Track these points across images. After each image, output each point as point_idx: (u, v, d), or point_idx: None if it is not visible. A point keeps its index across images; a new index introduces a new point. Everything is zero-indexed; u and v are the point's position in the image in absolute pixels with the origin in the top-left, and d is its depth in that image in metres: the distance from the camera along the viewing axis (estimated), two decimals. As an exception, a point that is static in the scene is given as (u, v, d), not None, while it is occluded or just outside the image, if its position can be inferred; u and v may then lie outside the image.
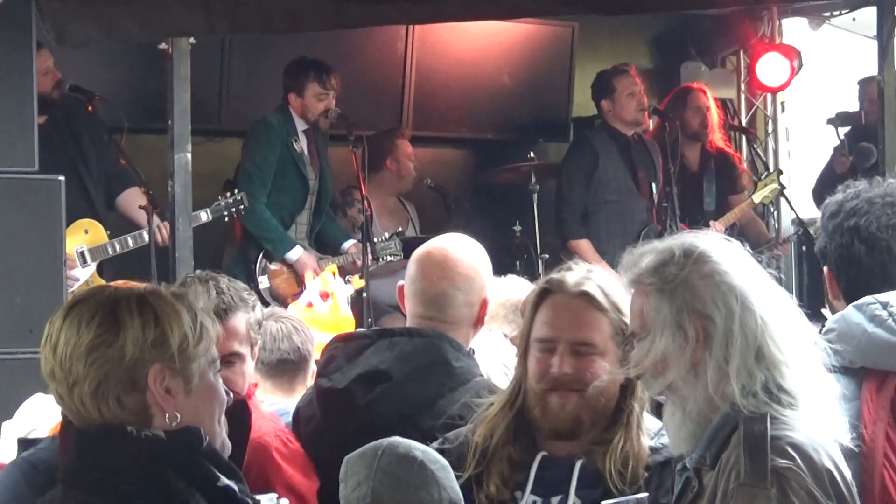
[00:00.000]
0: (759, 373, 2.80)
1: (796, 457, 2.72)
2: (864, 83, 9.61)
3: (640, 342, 2.89)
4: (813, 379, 2.86)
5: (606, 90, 8.48)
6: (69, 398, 2.47)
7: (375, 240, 7.80)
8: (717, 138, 9.15)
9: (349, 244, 7.87)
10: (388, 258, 7.87)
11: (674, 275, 2.85)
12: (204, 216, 7.19)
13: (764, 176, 9.07)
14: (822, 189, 9.48)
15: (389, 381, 3.72)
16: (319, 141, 7.93)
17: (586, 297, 3.32)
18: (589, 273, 3.38)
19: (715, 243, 2.91)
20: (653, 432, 3.38)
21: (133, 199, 7.39)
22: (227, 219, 7.44)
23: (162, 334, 2.47)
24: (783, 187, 9.10)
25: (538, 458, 3.33)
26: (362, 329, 4.48)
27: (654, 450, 3.34)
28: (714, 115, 9.11)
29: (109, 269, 7.21)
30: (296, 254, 7.67)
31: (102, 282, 7.04)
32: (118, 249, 7.18)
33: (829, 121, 10.00)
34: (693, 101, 9.00)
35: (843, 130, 9.83)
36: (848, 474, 2.80)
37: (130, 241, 7.18)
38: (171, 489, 2.41)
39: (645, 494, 3.06)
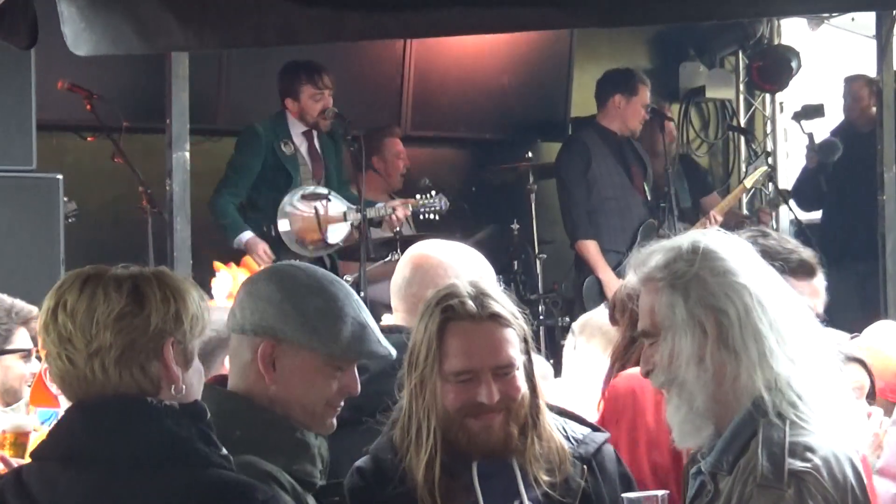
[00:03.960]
0: (775, 369, 2.78)
1: (816, 461, 2.70)
2: (851, 80, 9.63)
3: (653, 340, 2.87)
4: (825, 379, 2.84)
5: (629, 89, 8.44)
6: (85, 364, 2.55)
7: (417, 196, 7.94)
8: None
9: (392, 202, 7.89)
10: (430, 216, 7.95)
11: (684, 271, 2.83)
12: None
13: (753, 159, 9.11)
14: (802, 186, 9.57)
15: (366, 374, 3.73)
16: (325, 143, 7.91)
17: (495, 317, 3.20)
18: (478, 288, 3.25)
19: (723, 240, 2.90)
20: (561, 423, 3.33)
21: None
22: None
23: (178, 311, 2.61)
24: (771, 167, 9.14)
25: (474, 467, 3.20)
26: None
27: (578, 441, 3.30)
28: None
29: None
30: (245, 237, 7.65)
31: None
32: None
33: (795, 115, 10.02)
34: (671, 131, 9.01)
35: (808, 124, 9.85)
36: (865, 486, 2.77)
37: None
38: (196, 453, 2.53)
39: (666, 492, 3.02)
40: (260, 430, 2.92)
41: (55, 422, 2.68)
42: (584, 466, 3.25)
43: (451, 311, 3.20)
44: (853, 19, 9.74)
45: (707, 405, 2.82)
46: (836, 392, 2.84)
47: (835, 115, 9.83)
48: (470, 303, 3.20)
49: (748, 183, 8.93)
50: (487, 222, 8.82)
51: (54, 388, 3.60)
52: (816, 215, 9.68)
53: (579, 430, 3.35)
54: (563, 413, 3.43)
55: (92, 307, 2.55)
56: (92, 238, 7.28)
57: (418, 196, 7.94)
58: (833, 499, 2.67)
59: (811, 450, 2.71)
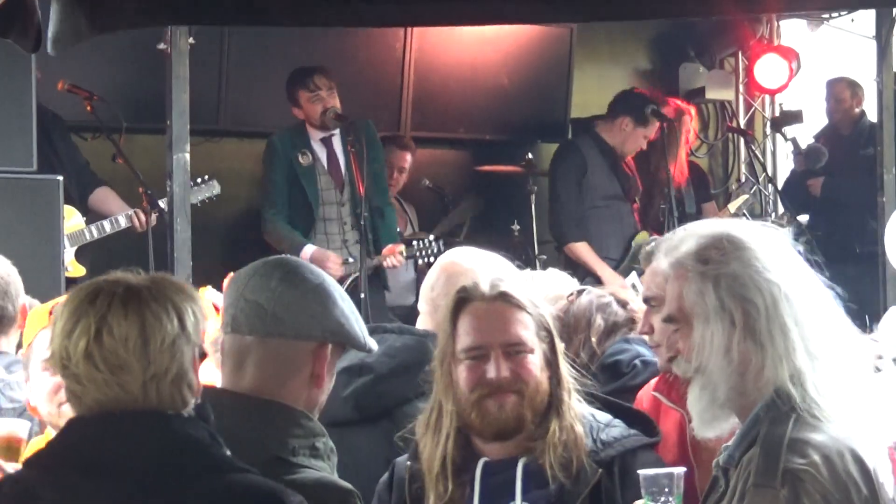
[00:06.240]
0: (796, 364, 2.74)
1: (816, 459, 2.64)
2: (833, 83, 9.68)
3: (679, 327, 2.85)
4: (850, 379, 2.79)
5: (640, 119, 8.36)
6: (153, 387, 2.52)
7: (414, 242, 7.77)
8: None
9: (387, 248, 7.68)
10: (429, 259, 7.67)
11: (716, 260, 2.81)
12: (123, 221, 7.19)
13: (736, 188, 9.19)
14: (789, 189, 9.70)
15: (371, 375, 3.75)
16: (346, 149, 7.73)
17: (505, 297, 3.31)
18: (499, 276, 3.42)
19: (756, 231, 2.89)
20: (602, 423, 3.37)
21: (105, 196, 7.37)
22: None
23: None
24: (754, 198, 9.50)
25: (480, 464, 3.30)
26: None
27: (605, 443, 3.32)
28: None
29: (105, 266, 7.18)
30: (307, 251, 7.54)
31: (82, 268, 7.03)
32: (95, 235, 7.13)
33: (773, 123, 10.13)
34: (687, 123, 8.97)
35: (787, 130, 9.94)
36: (887, 489, 2.71)
37: (107, 226, 7.13)
38: (223, 458, 2.52)
39: (683, 469, 3.04)
40: (310, 436, 2.88)
41: (60, 431, 2.61)
42: (601, 469, 3.26)
43: (464, 293, 3.34)
44: (853, 20, 9.75)
45: (729, 396, 2.79)
46: (861, 388, 2.79)
47: (815, 120, 9.90)
48: (482, 286, 3.33)
49: (732, 208, 9.04)
50: (487, 224, 8.82)
51: None
52: (803, 218, 9.73)
53: (614, 432, 3.35)
54: (610, 406, 3.45)
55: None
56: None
57: (414, 243, 7.77)
58: (834, 497, 2.61)
59: (812, 446, 2.66)
